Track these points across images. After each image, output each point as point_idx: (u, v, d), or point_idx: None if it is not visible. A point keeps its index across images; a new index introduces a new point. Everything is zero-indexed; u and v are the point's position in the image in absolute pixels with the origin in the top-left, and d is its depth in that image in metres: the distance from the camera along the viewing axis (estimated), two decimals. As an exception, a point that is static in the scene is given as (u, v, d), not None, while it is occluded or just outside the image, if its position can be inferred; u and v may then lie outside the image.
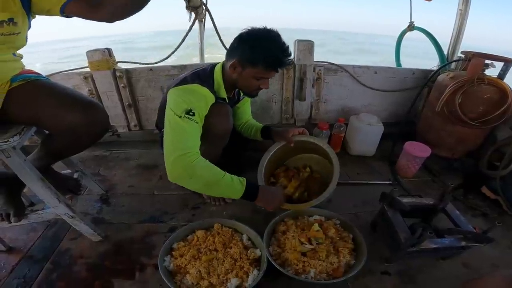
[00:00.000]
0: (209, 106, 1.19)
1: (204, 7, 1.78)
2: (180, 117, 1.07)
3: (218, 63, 1.30)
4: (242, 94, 1.45)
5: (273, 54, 1.13)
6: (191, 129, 1.09)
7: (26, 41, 1.01)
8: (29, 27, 0.98)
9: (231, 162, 1.74)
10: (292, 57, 1.20)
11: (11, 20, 0.87)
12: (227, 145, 1.54)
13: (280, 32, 1.15)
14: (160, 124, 1.38)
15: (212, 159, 1.43)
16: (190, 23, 1.60)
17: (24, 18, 0.92)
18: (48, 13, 0.96)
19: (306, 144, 1.53)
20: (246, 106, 1.60)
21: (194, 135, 1.10)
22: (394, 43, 2.64)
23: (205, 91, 1.18)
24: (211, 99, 1.20)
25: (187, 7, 1.52)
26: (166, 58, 1.98)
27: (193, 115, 1.09)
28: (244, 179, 1.15)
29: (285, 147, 1.52)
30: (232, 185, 1.11)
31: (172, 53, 1.96)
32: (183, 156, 1.04)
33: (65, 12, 0.94)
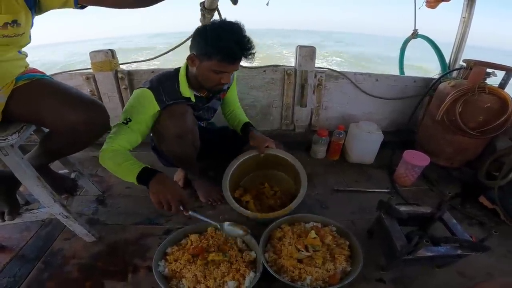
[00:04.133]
0: (155, 111, 1.21)
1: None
2: (120, 122, 1.17)
3: None
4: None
5: (225, 45, 1.08)
6: (122, 133, 1.15)
7: (30, 39, 1.01)
8: (32, 25, 0.98)
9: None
10: (254, 50, 1.16)
11: (14, 22, 0.86)
12: (224, 147, 1.53)
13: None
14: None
15: (183, 162, 1.44)
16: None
17: (28, 16, 0.91)
18: (61, 5, 0.95)
19: (274, 158, 1.49)
20: (231, 94, 1.57)
21: (121, 138, 1.14)
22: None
23: (151, 97, 1.19)
24: (156, 105, 1.20)
25: (202, 9, 1.53)
26: (166, 53, 1.95)
27: (128, 122, 1.16)
28: (145, 166, 1.09)
29: (254, 157, 1.47)
30: (128, 170, 1.09)
31: (173, 49, 1.92)
32: (101, 151, 1.12)
33: (80, 1, 0.94)
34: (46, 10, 0.97)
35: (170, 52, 1.94)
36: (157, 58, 2.03)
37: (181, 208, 1.05)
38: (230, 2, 1.12)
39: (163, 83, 1.23)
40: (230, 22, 1.13)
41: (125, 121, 1.16)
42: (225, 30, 1.10)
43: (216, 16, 1.58)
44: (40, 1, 0.92)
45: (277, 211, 1.35)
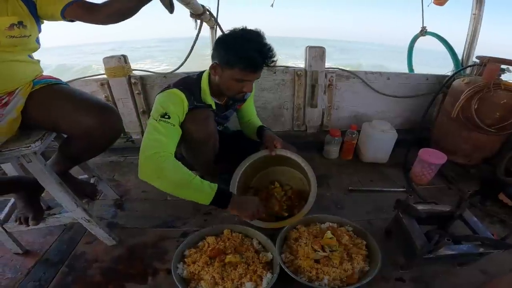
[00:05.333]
0: (185, 110, 1.19)
1: (208, 14, 1.80)
2: (156, 120, 1.11)
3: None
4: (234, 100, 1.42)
5: (247, 55, 1.09)
6: (166, 131, 1.11)
7: (39, 45, 1.06)
8: (40, 31, 1.04)
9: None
10: (275, 58, 1.17)
11: (20, 23, 0.93)
12: (238, 150, 1.54)
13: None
14: None
15: (203, 166, 1.44)
16: (196, 31, 1.62)
17: (32, 22, 0.98)
18: (52, 18, 1.03)
19: (284, 157, 1.48)
20: (248, 105, 1.59)
21: (168, 136, 1.11)
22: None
23: (182, 95, 1.18)
24: (187, 104, 1.20)
25: (191, 15, 1.56)
26: (177, 68, 2.01)
27: (169, 118, 1.12)
28: (216, 184, 1.11)
29: (263, 157, 1.46)
30: (201, 189, 1.08)
31: (183, 63, 1.98)
32: (154, 155, 1.04)
33: (66, 16, 1.02)
34: (43, 19, 1.05)
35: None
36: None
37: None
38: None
39: (188, 88, 1.24)
40: (250, 31, 1.14)
41: (163, 117, 1.11)
42: (246, 39, 1.11)
43: (212, 22, 1.60)
44: (37, 11, 1.00)
45: (283, 215, 1.37)
